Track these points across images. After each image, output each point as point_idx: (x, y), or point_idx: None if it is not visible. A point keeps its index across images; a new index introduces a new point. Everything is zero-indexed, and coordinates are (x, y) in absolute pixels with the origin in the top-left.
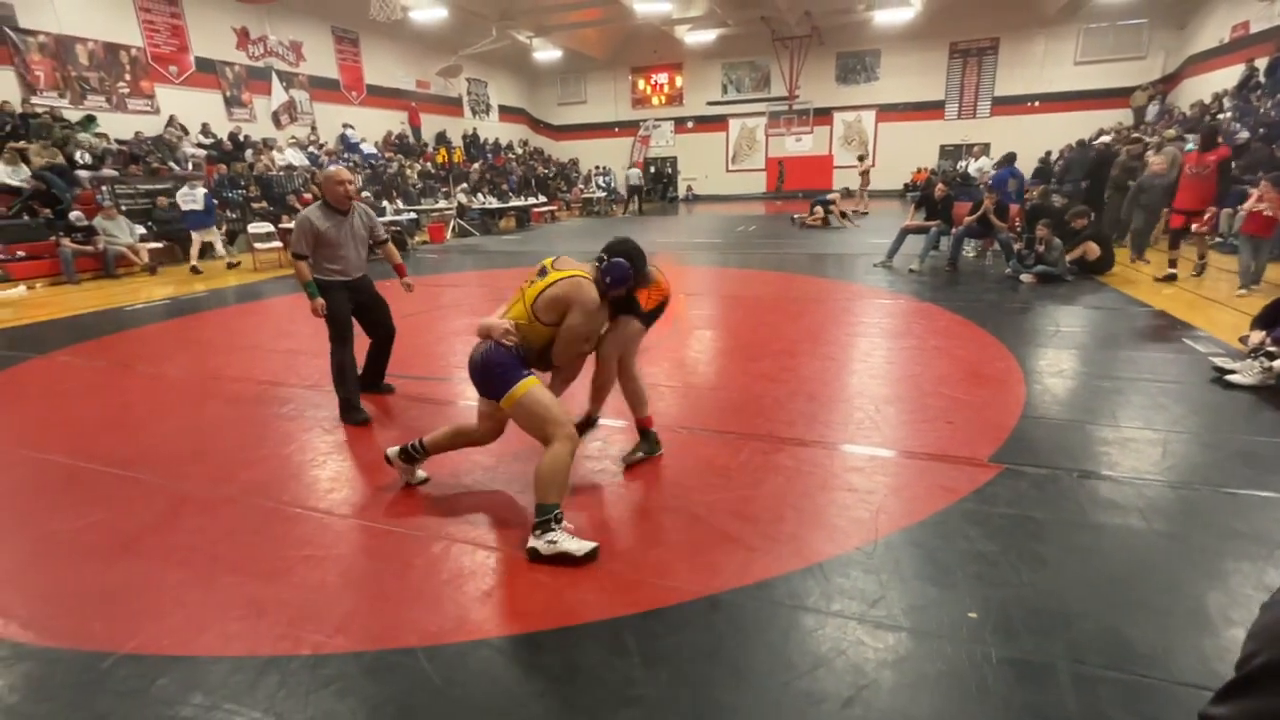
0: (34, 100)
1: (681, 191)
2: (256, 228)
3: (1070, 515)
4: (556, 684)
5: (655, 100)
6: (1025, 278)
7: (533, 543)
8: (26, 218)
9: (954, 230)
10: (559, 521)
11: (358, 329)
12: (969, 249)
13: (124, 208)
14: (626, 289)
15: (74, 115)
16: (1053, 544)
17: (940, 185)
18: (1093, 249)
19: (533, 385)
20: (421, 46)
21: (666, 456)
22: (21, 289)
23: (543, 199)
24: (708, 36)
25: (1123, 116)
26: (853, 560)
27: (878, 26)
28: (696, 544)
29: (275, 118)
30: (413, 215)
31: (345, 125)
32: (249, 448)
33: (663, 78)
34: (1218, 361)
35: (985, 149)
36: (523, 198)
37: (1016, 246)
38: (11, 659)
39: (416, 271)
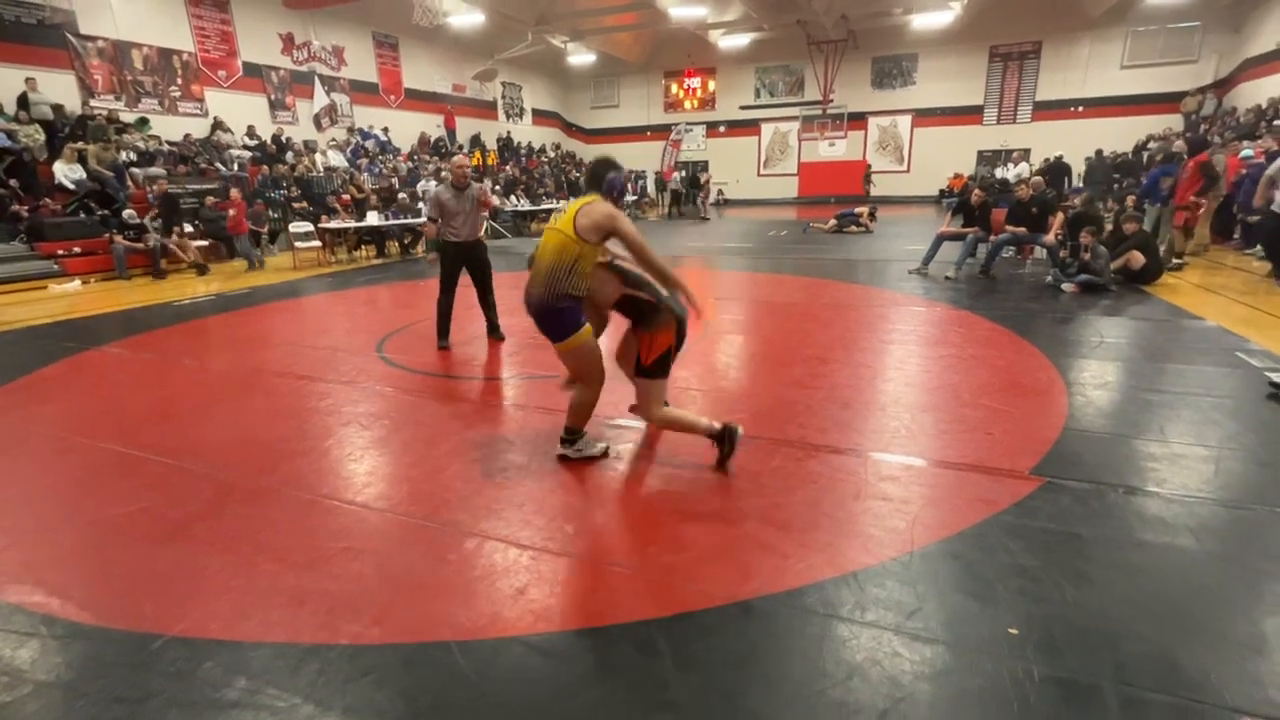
0: (92, 103)
1: (712, 196)
2: (297, 227)
3: (1116, 532)
4: (588, 684)
5: (688, 104)
6: (1067, 286)
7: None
8: (82, 215)
9: (992, 237)
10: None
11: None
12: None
13: None
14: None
15: (129, 117)
16: (1098, 561)
17: (978, 191)
18: (1137, 257)
19: None
20: (458, 51)
21: (697, 460)
22: (76, 283)
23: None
24: (742, 41)
25: (1172, 122)
26: (888, 570)
27: (916, 30)
28: (728, 549)
29: (317, 120)
30: None
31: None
32: (289, 440)
33: (696, 82)
34: (1275, 377)
35: (1025, 154)
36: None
37: (1061, 254)
38: (68, 637)
39: None
